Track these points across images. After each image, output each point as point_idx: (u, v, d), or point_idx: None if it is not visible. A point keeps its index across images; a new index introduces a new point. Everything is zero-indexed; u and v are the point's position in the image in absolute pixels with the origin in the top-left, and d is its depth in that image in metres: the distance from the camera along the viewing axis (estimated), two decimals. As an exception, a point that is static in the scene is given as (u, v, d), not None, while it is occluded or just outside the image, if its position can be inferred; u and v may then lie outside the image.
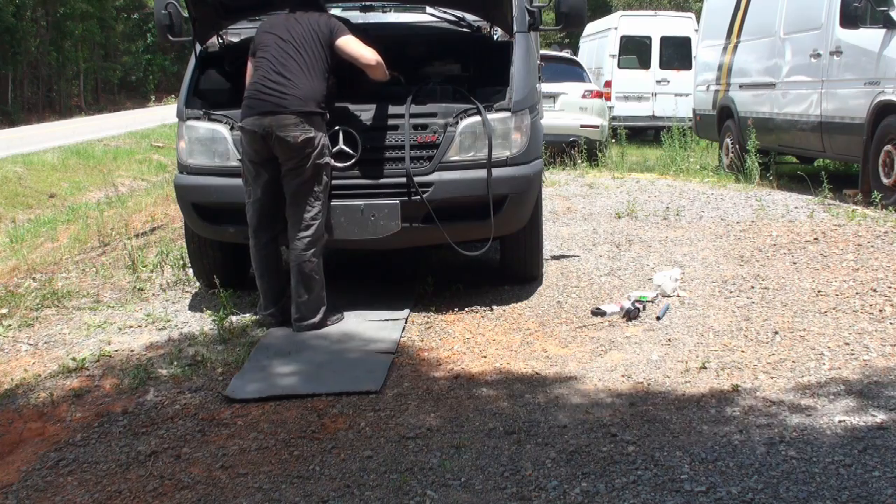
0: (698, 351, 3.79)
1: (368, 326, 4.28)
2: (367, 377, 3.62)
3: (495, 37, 4.80)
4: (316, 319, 4.20)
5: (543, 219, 5.17)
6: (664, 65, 15.91)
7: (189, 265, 5.25)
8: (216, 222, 4.50)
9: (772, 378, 3.42)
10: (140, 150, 14.74)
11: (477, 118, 4.33)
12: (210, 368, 3.78)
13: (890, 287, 4.46)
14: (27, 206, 10.23)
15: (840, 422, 2.97)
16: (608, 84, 15.58)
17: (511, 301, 4.73)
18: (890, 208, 6.73)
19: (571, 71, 12.23)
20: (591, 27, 17.58)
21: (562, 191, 8.67)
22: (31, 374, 3.88)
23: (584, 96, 11.60)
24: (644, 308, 4.40)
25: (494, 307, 4.61)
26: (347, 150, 4.27)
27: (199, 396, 3.50)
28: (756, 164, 8.98)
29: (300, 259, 4.14)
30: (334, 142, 4.27)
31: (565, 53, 15.20)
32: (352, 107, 4.41)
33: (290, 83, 4.08)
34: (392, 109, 4.37)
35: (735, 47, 10.39)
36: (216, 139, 4.40)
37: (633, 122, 15.05)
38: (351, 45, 4.18)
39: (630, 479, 2.63)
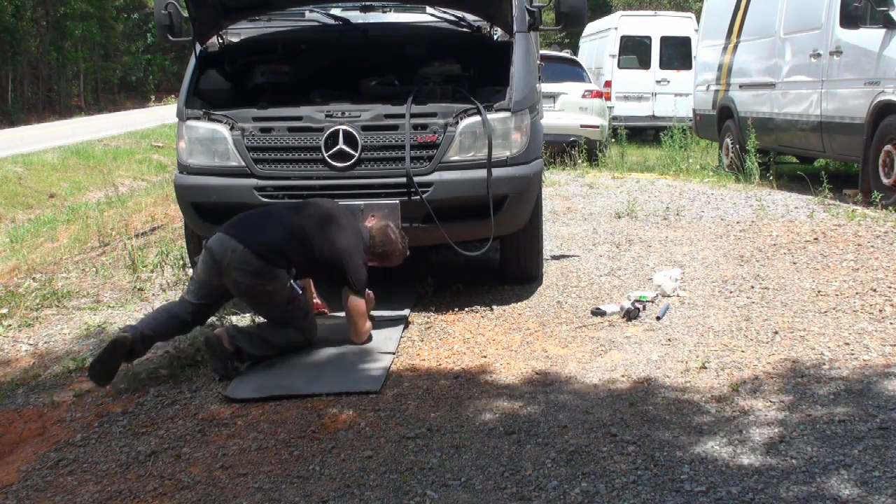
0: (698, 351, 3.79)
1: (368, 326, 4.27)
2: (367, 377, 3.62)
3: (495, 37, 4.80)
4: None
5: (543, 219, 5.17)
6: (664, 65, 15.92)
7: (189, 265, 5.25)
8: (216, 222, 4.47)
9: (772, 378, 3.42)
10: (140, 150, 14.74)
11: (477, 118, 4.33)
12: (210, 368, 3.78)
13: (890, 287, 4.46)
14: (27, 206, 10.23)
15: (840, 422, 2.97)
16: (608, 84, 15.58)
17: (511, 301, 4.72)
18: (890, 208, 6.72)
19: (571, 71, 12.23)
20: (591, 27, 17.58)
21: (562, 191, 8.67)
22: (31, 374, 3.88)
23: (584, 96, 11.60)
24: (644, 308, 4.40)
25: (494, 307, 4.61)
26: (347, 150, 4.27)
27: (199, 396, 3.50)
28: (756, 164, 8.98)
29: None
30: (334, 142, 4.27)
31: (565, 53, 15.20)
32: (352, 107, 4.40)
33: (270, 228, 3.81)
34: (392, 109, 4.37)
35: (735, 47, 10.39)
36: (216, 139, 4.40)
37: (633, 122, 15.05)
38: (352, 303, 3.93)
39: (630, 479, 2.63)
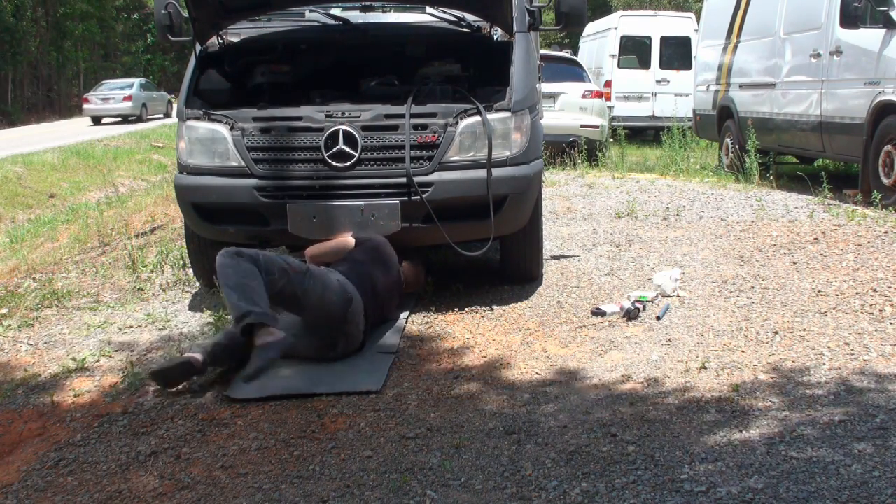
0: (698, 351, 3.79)
1: (368, 326, 4.28)
2: (367, 377, 3.62)
3: (495, 37, 4.80)
4: None
5: (543, 219, 5.17)
6: (664, 65, 15.93)
7: (189, 265, 5.25)
8: (216, 222, 4.50)
9: (772, 378, 3.42)
10: (140, 150, 14.76)
11: (477, 118, 4.33)
12: (210, 368, 3.78)
13: (890, 287, 4.46)
14: (27, 206, 10.24)
15: (840, 422, 2.97)
16: (608, 84, 15.60)
17: (511, 301, 4.72)
18: (890, 208, 6.73)
19: (571, 71, 12.24)
20: (591, 27, 17.59)
21: (562, 191, 8.67)
22: (31, 373, 3.88)
23: (584, 96, 11.61)
24: (644, 308, 4.39)
25: (494, 307, 4.61)
26: (347, 150, 4.27)
27: (199, 396, 3.50)
28: (756, 164, 8.99)
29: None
30: (334, 142, 4.27)
31: (565, 53, 15.21)
32: (352, 107, 4.41)
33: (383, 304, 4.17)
34: (392, 109, 4.37)
35: (735, 47, 10.39)
36: (216, 139, 4.40)
37: (633, 122, 15.06)
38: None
39: (630, 479, 2.63)
